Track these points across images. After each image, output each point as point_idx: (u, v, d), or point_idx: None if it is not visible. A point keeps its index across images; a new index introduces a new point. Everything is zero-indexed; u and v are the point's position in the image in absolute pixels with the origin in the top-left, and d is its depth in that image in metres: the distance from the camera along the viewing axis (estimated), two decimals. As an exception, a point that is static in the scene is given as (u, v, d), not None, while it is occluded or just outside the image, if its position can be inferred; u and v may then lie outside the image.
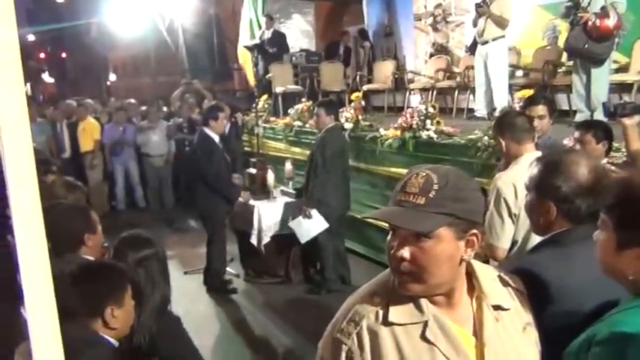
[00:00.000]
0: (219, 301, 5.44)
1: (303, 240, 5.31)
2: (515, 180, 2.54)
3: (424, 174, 1.19)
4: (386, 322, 1.20)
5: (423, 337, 1.19)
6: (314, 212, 5.21)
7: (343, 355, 1.22)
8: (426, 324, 1.20)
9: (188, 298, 5.26)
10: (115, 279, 2.00)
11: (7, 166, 1.07)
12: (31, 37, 24.74)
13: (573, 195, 1.54)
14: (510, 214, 2.58)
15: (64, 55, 30.37)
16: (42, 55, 29.91)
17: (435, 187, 1.17)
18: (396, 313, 1.21)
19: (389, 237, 1.22)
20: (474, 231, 1.21)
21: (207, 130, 5.61)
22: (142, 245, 2.45)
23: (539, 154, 2.54)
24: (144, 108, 9.77)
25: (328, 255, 5.38)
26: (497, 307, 1.26)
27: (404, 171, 4.71)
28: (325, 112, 5.27)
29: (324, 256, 5.38)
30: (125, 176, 9.07)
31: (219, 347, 4.54)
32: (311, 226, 5.24)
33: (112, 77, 27.56)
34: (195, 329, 2.56)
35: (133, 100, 10.14)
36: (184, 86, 9.58)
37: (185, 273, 6.06)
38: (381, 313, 1.21)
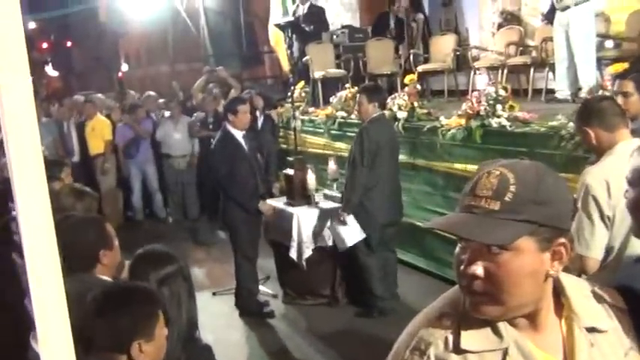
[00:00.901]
0: (254, 327, 5.50)
1: (340, 249, 5.40)
2: (608, 175, 2.48)
3: (497, 172, 1.17)
4: (458, 350, 1.19)
5: None
6: (350, 219, 5.25)
7: None
8: (506, 351, 1.18)
9: (218, 323, 5.35)
10: (146, 307, 2.01)
11: (15, 177, 1.12)
12: (32, 25, 25.58)
13: None
14: (603, 217, 2.52)
15: (69, 44, 31.25)
16: (45, 45, 30.84)
17: (512, 188, 1.15)
18: (470, 338, 1.19)
19: (457, 249, 1.20)
20: (562, 240, 1.18)
21: (228, 127, 5.71)
22: (164, 262, 2.50)
23: (638, 141, 2.47)
24: (162, 101, 9.98)
25: (372, 271, 5.39)
26: (591, 330, 1.24)
27: (470, 167, 4.69)
28: (368, 100, 5.29)
29: (368, 273, 5.40)
30: (142, 182, 9.29)
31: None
32: (346, 234, 5.28)
33: (124, 67, 28.23)
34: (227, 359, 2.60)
35: (152, 93, 10.37)
36: (207, 75, 9.72)
37: (214, 294, 6.16)
38: (451, 339, 1.20)
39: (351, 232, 5.28)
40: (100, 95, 10.33)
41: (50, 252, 1.36)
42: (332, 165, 6.15)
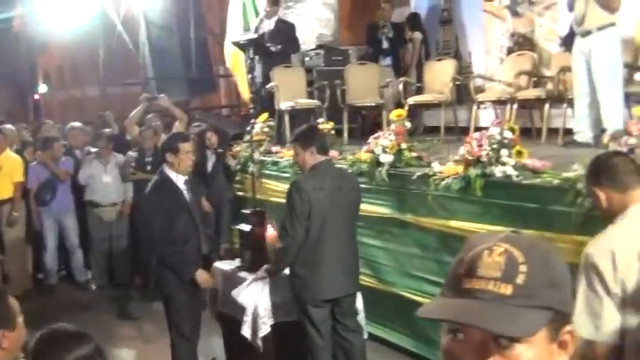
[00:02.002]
0: None
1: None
2: (614, 244, 2.61)
3: (501, 249, 1.21)
4: None
5: None
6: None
7: None
8: None
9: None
10: None
11: None
12: None
13: None
14: (609, 293, 2.62)
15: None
16: None
17: (523, 268, 1.19)
18: None
19: (446, 343, 1.24)
20: (569, 327, 1.25)
21: (166, 170, 5.77)
22: (73, 344, 2.51)
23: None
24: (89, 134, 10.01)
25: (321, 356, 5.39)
26: None
27: (468, 226, 4.76)
28: (302, 148, 5.36)
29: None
30: (59, 236, 9.23)
31: None
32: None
33: (43, 89, 28.20)
34: None
35: (76, 124, 10.37)
36: (146, 103, 9.78)
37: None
38: None
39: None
40: (8, 126, 10.28)
41: None
42: (298, 219, 6.21)
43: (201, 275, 5.70)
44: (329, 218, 5.28)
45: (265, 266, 5.63)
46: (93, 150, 9.43)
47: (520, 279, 1.18)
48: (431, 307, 1.27)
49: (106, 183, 9.03)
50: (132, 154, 9.05)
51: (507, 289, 1.18)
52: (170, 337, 5.76)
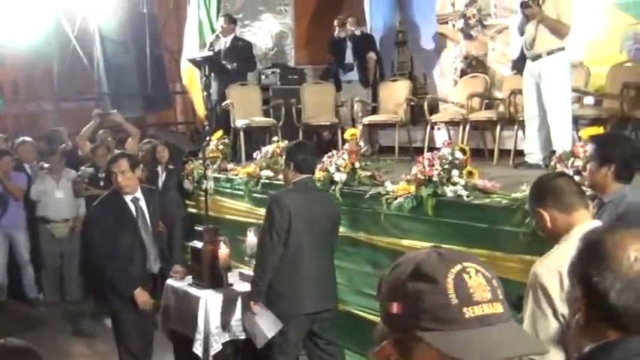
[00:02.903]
0: None
1: (257, 345, 5.32)
2: (561, 264, 2.66)
3: (473, 269, 1.24)
4: None
5: None
6: (258, 309, 5.22)
7: None
8: None
9: None
10: None
11: None
12: None
13: (615, 292, 1.66)
14: (556, 314, 2.68)
15: None
16: None
17: (495, 282, 1.24)
18: None
19: None
20: None
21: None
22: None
23: (597, 224, 2.67)
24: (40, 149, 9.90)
25: None
26: None
27: (420, 244, 4.79)
28: (285, 163, 5.50)
29: None
30: (9, 252, 9.08)
31: None
32: (262, 326, 5.22)
33: (-5, 102, 27.87)
34: None
35: (27, 138, 10.24)
36: (98, 119, 9.70)
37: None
38: None
39: (267, 324, 5.24)
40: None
41: None
42: (251, 237, 6.19)
43: (140, 295, 5.62)
44: (308, 234, 5.28)
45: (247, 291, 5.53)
46: (45, 165, 9.33)
47: (500, 294, 1.23)
48: (472, 347, 1.20)
49: (59, 199, 8.93)
50: (87, 169, 8.97)
51: (499, 307, 1.22)
52: (118, 355, 5.72)
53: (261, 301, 5.24)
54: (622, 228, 1.90)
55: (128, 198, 5.73)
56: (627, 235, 1.76)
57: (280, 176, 7.53)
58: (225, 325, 5.67)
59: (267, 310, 5.24)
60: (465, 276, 1.22)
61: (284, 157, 5.56)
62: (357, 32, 10.56)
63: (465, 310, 1.20)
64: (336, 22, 10.65)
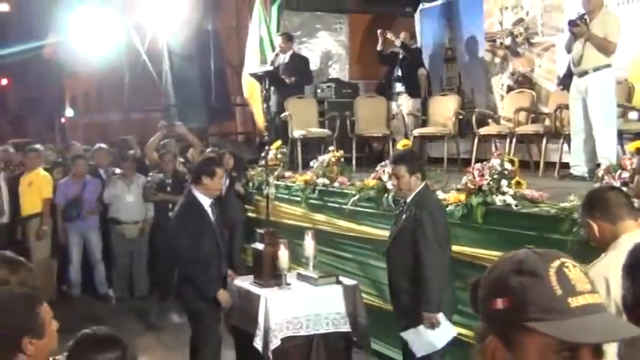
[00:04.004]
0: None
1: (419, 354, 5.08)
2: (608, 271, 2.67)
3: (571, 263, 1.27)
4: None
5: None
6: (441, 316, 4.96)
7: None
8: None
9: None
10: None
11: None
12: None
13: None
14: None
15: (4, 82, 31.47)
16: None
17: (589, 276, 1.28)
18: None
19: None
20: None
21: (195, 192, 5.86)
22: (108, 347, 2.57)
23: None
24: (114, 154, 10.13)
25: None
26: None
27: (470, 250, 4.76)
28: (409, 171, 5.12)
29: None
30: (83, 250, 9.29)
31: None
32: (436, 337, 5.00)
33: (69, 112, 28.43)
34: None
35: (103, 145, 10.49)
36: (164, 130, 9.88)
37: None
38: None
39: (443, 333, 5.02)
40: (38, 146, 10.38)
41: None
42: (309, 240, 6.23)
43: (222, 295, 5.78)
44: (444, 242, 5.12)
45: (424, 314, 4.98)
46: (118, 171, 9.53)
47: (594, 286, 1.26)
48: (585, 332, 1.22)
49: (129, 202, 9.12)
50: (156, 175, 9.11)
51: (598, 298, 1.25)
52: (191, 346, 5.82)
53: (438, 312, 4.97)
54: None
55: (207, 204, 5.83)
56: None
57: (337, 183, 7.63)
58: (284, 322, 5.70)
59: (444, 320, 5.03)
60: (565, 270, 1.24)
61: (404, 166, 5.15)
62: (411, 46, 10.44)
63: (569, 300, 1.22)
64: (379, 32, 10.42)
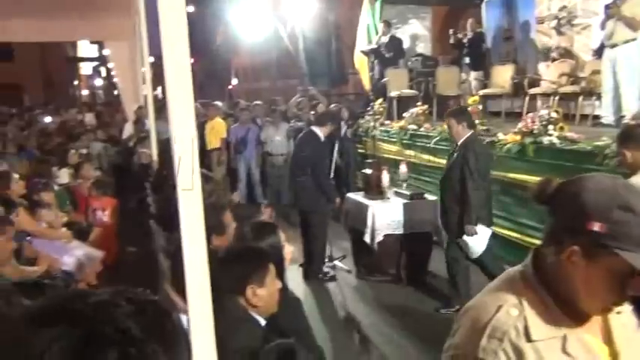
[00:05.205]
0: (327, 294, 5.65)
1: (473, 256, 4.88)
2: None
3: None
4: (528, 338, 1.17)
5: (564, 351, 1.17)
6: (478, 228, 4.74)
7: None
8: (565, 337, 1.18)
9: (298, 289, 5.48)
10: (255, 261, 2.17)
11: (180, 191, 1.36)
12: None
13: None
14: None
15: (192, 60, 32.46)
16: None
17: None
18: (537, 329, 1.18)
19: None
20: None
21: (314, 128, 6.00)
22: (267, 232, 2.66)
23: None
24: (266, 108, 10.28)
25: (461, 270, 4.94)
26: (618, 313, 1.23)
27: (522, 177, 4.58)
28: (456, 122, 4.84)
29: (457, 270, 4.95)
30: (247, 173, 9.55)
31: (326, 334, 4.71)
32: (477, 242, 4.82)
33: (234, 81, 29.03)
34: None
35: (259, 102, 10.69)
36: (301, 93, 10.00)
37: (301, 265, 6.29)
38: (520, 328, 1.18)
39: (481, 238, 4.81)
40: (218, 102, 10.70)
41: (199, 223, 1.58)
42: (403, 168, 6.19)
43: (338, 201, 5.99)
44: (485, 176, 4.87)
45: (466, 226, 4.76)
46: (268, 119, 9.68)
47: None
48: None
49: (277, 140, 9.24)
50: (297, 123, 9.21)
51: None
52: (309, 238, 6.01)
53: (476, 224, 4.74)
54: None
55: (322, 136, 5.99)
56: None
57: (422, 128, 7.47)
58: (385, 224, 5.72)
59: (481, 229, 4.78)
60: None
61: (453, 118, 4.85)
62: (476, 30, 10.00)
63: None
64: (451, 32, 10.19)
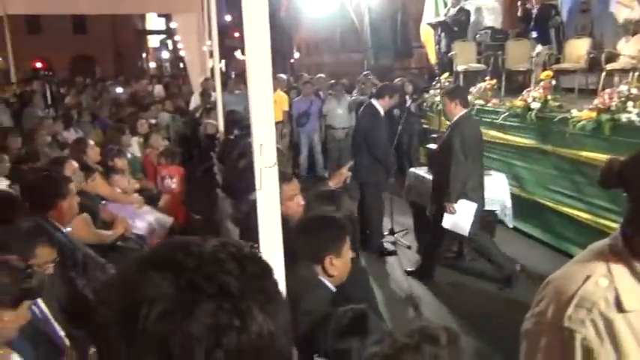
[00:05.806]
0: (389, 269, 5.64)
1: (465, 233, 4.92)
2: None
3: None
4: (620, 309, 1.14)
5: None
6: (457, 206, 4.76)
7: (578, 344, 1.13)
8: None
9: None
10: (334, 232, 2.19)
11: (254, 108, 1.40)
12: (228, 18, 27.04)
13: None
14: None
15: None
16: (236, 35, 32.44)
17: None
18: (630, 299, 1.15)
19: None
20: None
21: (374, 102, 5.93)
22: (329, 201, 2.69)
23: None
24: (331, 82, 10.24)
25: (488, 246, 4.96)
26: None
27: (597, 156, 4.39)
28: (449, 99, 4.79)
29: (486, 247, 4.97)
30: (309, 146, 9.58)
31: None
32: (459, 219, 4.82)
33: (296, 55, 29.05)
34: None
35: (322, 75, 10.67)
36: (362, 80, 9.98)
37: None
38: (610, 298, 1.15)
39: (464, 216, 4.82)
40: (282, 75, 10.74)
41: (274, 186, 1.66)
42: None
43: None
44: (472, 154, 4.81)
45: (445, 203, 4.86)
46: (330, 92, 9.65)
47: None
48: None
49: (339, 114, 9.21)
50: (359, 96, 9.13)
51: None
52: (365, 209, 5.97)
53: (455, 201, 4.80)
54: None
55: (381, 110, 5.93)
56: None
57: (490, 103, 7.24)
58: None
59: (462, 207, 4.83)
60: None
61: (446, 97, 4.90)
62: (545, 2, 9.60)
63: None
64: (519, 3, 9.80)
